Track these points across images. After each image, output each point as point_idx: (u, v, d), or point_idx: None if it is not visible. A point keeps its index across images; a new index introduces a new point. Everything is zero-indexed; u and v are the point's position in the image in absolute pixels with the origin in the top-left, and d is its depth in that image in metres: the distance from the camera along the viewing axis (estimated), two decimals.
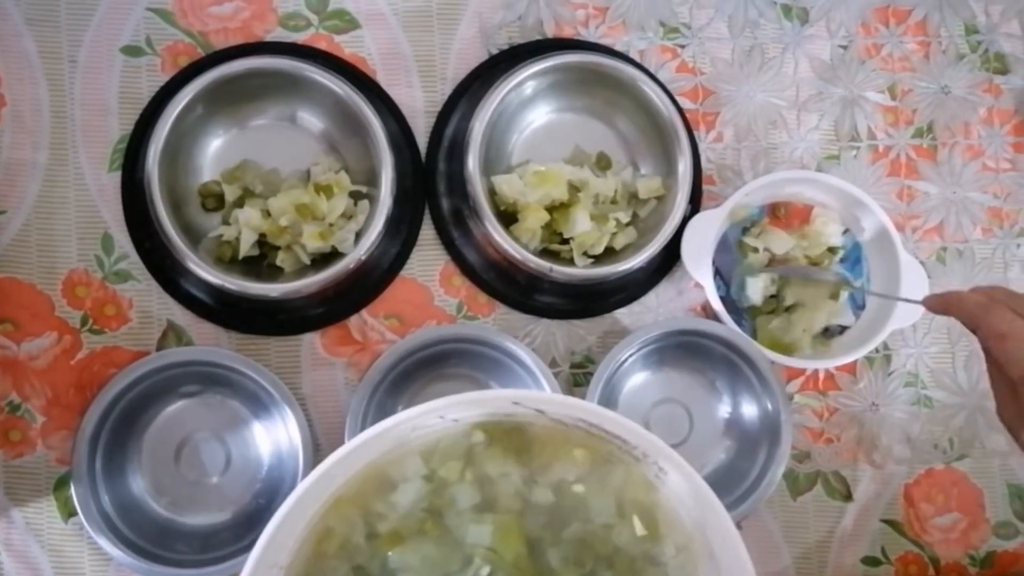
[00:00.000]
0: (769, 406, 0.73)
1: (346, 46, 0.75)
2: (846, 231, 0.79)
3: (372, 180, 0.70)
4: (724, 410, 0.75)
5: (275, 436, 0.71)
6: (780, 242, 0.76)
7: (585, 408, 0.53)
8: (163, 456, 0.70)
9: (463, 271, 0.75)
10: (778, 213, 0.78)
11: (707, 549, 0.54)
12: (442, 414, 0.53)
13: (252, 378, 0.69)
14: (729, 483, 0.73)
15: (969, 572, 0.78)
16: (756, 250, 0.76)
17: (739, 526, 0.74)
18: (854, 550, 0.77)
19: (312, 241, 0.69)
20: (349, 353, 0.73)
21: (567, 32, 0.78)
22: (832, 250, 0.78)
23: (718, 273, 0.76)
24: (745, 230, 0.77)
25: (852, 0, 0.81)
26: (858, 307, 0.78)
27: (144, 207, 0.68)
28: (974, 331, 0.60)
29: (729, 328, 0.72)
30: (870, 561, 0.77)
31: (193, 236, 0.69)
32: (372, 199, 0.70)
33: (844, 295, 0.77)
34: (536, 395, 0.52)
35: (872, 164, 0.81)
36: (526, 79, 0.72)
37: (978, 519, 0.79)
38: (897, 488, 0.78)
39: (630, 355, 0.73)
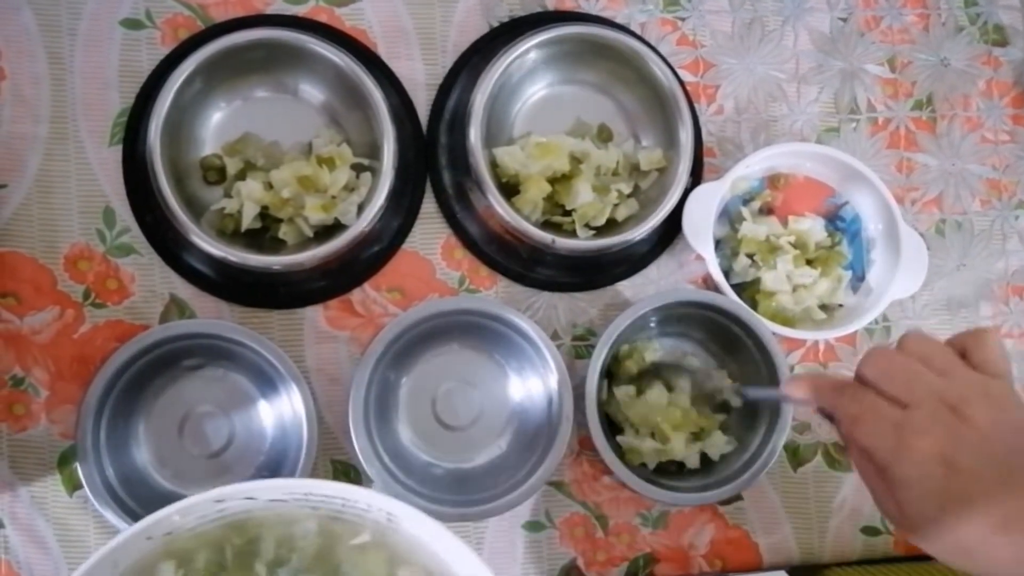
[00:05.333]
0: (770, 377, 0.73)
1: (347, 19, 0.75)
2: (845, 203, 0.79)
3: (374, 153, 0.70)
4: (725, 381, 0.76)
5: (279, 409, 0.71)
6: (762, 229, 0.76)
7: (291, 483, 0.53)
8: (167, 429, 0.71)
9: (465, 244, 0.75)
10: (778, 185, 0.78)
11: None
12: (150, 535, 0.51)
13: (256, 351, 0.69)
14: (732, 454, 0.73)
15: None
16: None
17: (740, 496, 0.76)
18: (853, 520, 0.78)
19: (315, 213, 0.69)
20: (352, 326, 0.74)
21: (568, 4, 0.78)
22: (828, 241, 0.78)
23: (719, 245, 0.77)
24: (746, 202, 0.78)
25: None
26: (858, 279, 0.78)
27: (145, 181, 0.68)
28: (832, 419, 0.55)
29: (731, 300, 0.73)
30: (869, 531, 0.78)
31: (195, 209, 0.69)
32: (374, 172, 0.70)
33: (846, 275, 0.77)
34: (238, 487, 0.52)
35: (872, 136, 0.81)
36: (527, 51, 0.72)
37: None
38: None
39: (632, 327, 0.73)
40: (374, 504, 0.52)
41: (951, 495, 0.47)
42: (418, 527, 0.53)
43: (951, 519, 0.47)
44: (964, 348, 0.53)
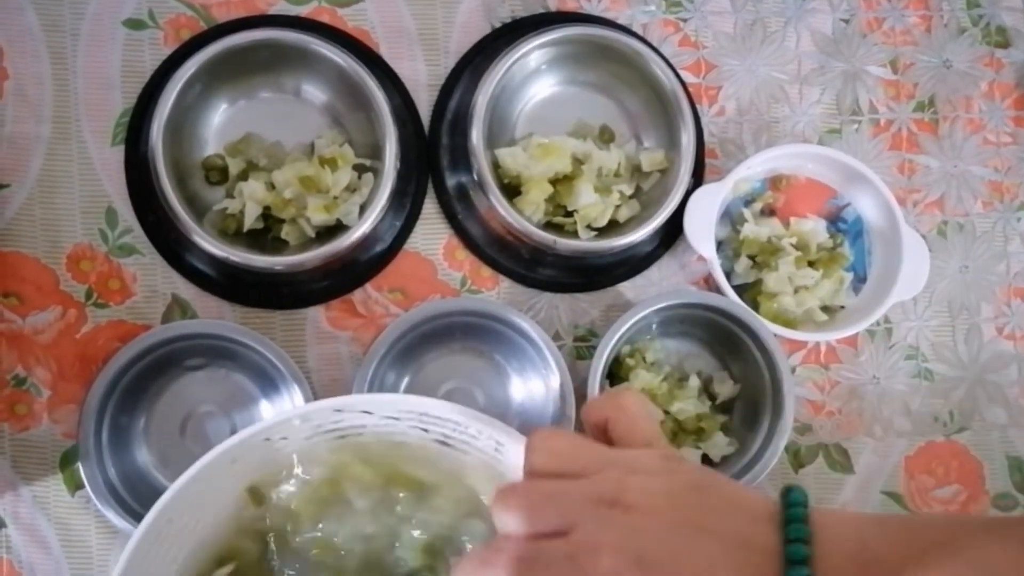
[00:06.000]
0: (771, 379, 0.73)
1: (349, 19, 0.75)
2: (847, 205, 0.79)
3: (376, 153, 0.70)
4: (727, 383, 0.76)
5: (280, 409, 0.71)
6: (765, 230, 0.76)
7: (408, 400, 0.53)
8: (169, 429, 0.71)
9: (466, 245, 0.75)
10: (780, 186, 0.78)
11: None
12: (268, 436, 0.52)
13: (258, 351, 0.69)
14: (733, 456, 0.73)
15: None
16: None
17: None
18: None
19: (317, 214, 0.69)
20: (354, 327, 0.74)
21: (570, 5, 0.78)
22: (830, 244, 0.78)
23: (721, 246, 0.77)
24: (748, 203, 0.78)
25: None
26: (859, 280, 0.78)
27: (148, 181, 0.68)
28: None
29: (732, 301, 0.73)
30: None
31: (197, 209, 0.69)
32: (376, 172, 0.70)
33: (848, 276, 0.77)
34: (358, 399, 0.52)
35: (873, 138, 0.81)
36: (529, 52, 0.72)
37: (978, 491, 0.79)
38: (898, 460, 0.79)
39: (633, 328, 0.73)
40: (485, 432, 0.52)
41: None
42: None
43: None
44: (606, 421, 0.46)
